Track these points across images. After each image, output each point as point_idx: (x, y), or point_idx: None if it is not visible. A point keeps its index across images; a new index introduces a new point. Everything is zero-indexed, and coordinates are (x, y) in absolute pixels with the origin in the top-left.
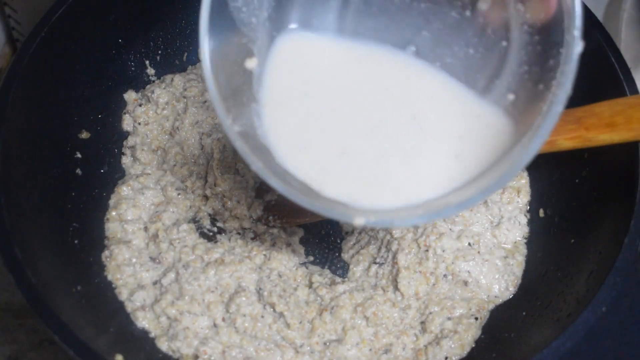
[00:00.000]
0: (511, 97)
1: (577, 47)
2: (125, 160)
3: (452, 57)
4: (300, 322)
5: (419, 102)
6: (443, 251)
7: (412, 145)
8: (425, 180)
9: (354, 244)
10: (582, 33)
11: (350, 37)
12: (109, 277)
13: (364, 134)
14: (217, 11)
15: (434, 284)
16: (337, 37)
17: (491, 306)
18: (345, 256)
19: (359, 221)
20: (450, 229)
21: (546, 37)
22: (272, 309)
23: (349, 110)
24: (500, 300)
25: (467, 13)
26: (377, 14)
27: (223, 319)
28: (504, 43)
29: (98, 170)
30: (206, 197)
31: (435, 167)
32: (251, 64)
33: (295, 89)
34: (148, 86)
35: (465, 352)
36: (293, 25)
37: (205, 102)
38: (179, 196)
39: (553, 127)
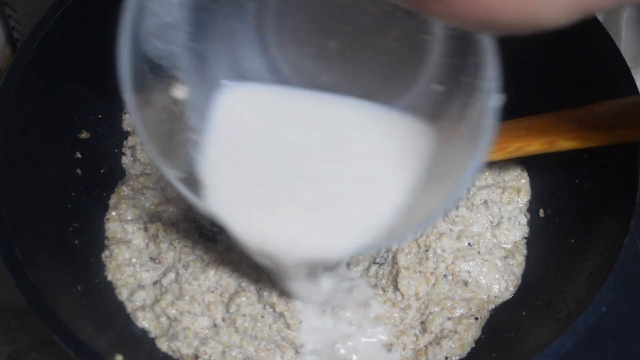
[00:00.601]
0: (436, 87)
1: (492, 100)
2: (125, 160)
3: (376, 51)
4: (301, 322)
5: (338, 136)
6: (443, 251)
7: (335, 181)
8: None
9: None
10: (499, 84)
11: (276, 60)
12: (109, 277)
13: (294, 184)
14: (136, 66)
15: (434, 284)
16: (267, 83)
17: (491, 306)
18: None
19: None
20: (450, 229)
21: (462, 33)
22: (272, 309)
23: (279, 160)
24: (500, 300)
25: (385, 7)
26: (295, 12)
27: (223, 319)
28: (427, 36)
29: (98, 170)
30: None
31: (366, 200)
32: (179, 92)
33: (231, 146)
34: None
35: (465, 352)
36: (225, 81)
37: None
38: (179, 196)
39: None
